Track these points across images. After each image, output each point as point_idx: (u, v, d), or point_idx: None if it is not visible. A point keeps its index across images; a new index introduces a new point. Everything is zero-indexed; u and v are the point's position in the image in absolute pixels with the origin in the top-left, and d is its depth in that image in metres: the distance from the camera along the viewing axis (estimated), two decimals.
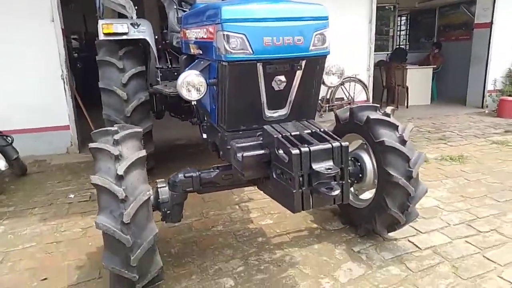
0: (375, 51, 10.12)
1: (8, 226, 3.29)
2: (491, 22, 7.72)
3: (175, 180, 2.43)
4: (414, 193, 2.54)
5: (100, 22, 3.68)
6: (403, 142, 2.58)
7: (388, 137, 2.58)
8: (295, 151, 1.78)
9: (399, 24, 11.64)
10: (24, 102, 5.02)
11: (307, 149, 1.80)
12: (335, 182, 1.84)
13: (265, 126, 2.08)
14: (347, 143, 1.92)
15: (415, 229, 3.05)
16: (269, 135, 2.01)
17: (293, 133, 1.98)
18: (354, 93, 6.81)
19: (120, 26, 3.63)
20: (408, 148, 2.58)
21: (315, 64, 2.21)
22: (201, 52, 2.48)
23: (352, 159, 2.84)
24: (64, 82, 5.24)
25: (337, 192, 1.75)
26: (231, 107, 2.17)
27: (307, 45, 2.10)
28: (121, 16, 4.01)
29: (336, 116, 3.06)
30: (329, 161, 1.84)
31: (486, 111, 7.87)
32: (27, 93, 5.03)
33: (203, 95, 2.17)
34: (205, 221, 3.28)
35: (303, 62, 2.15)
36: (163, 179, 2.50)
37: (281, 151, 1.90)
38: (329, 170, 1.77)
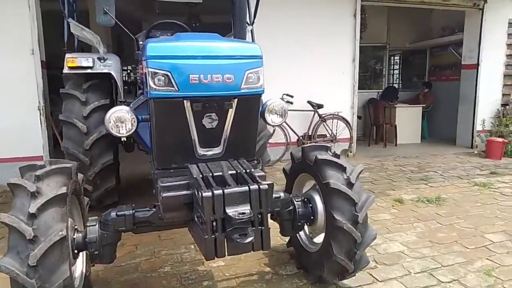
0: (367, 89, 10.30)
1: None
2: (477, 64, 7.76)
3: (106, 218, 2.31)
4: (360, 239, 2.40)
5: (67, 55, 3.71)
6: (350, 184, 2.47)
7: (334, 179, 2.48)
8: (206, 194, 1.69)
9: (392, 63, 11.80)
10: None
11: (220, 191, 1.70)
12: (252, 228, 1.72)
13: (190, 166, 1.99)
14: (266, 186, 1.82)
15: (373, 276, 2.87)
16: (191, 175, 1.91)
17: (215, 174, 1.89)
18: (336, 130, 6.74)
19: (84, 60, 3.65)
20: (355, 191, 2.47)
21: (249, 103, 2.16)
22: (141, 88, 2.45)
23: (305, 200, 2.73)
24: (40, 113, 5.25)
25: (250, 239, 1.64)
26: (160, 144, 2.10)
27: (238, 83, 2.06)
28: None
29: (291, 155, 2.98)
30: (245, 205, 1.73)
31: (475, 151, 7.75)
32: (1, 122, 5.03)
33: (131, 131, 2.10)
34: (154, 261, 3.13)
35: (235, 101, 2.09)
36: (96, 217, 2.39)
37: (199, 193, 1.81)
38: (241, 215, 1.65)
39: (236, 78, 2.04)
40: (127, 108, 2.12)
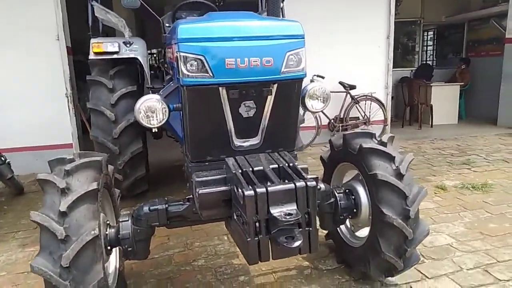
0: (398, 67, 9.78)
1: None
2: None
3: (139, 213, 2.19)
4: (412, 235, 2.19)
5: (92, 40, 3.58)
6: (399, 176, 2.24)
7: (382, 169, 2.25)
8: (248, 192, 1.51)
9: (426, 39, 11.16)
10: (26, 120, 5.02)
11: (263, 190, 1.52)
12: (299, 230, 1.54)
13: (227, 159, 1.82)
14: (314, 183, 1.62)
15: (421, 272, 2.66)
16: (229, 169, 1.74)
17: (255, 169, 1.71)
18: (370, 112, 6.42)
19: (110, 45, 3.52)
20: (406, 183, 2.24)
21: (289, 89, 1.94)
22: (171, 74, 2.27)
23: (347, 191, 2.53)
24: (68, 100, 5.21)
25: (298, 243, 1.46)
26: (193, 136, 1.94)
27: (278, 67, 1.84)
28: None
29: (330, 142, 2.76)
30: (291, 204, 1.55)
31: None
32: (30, 111, 5.04)
33: (163, 122, 1.94)
34: (188, 254, 3.03)
35: (275, 86, 1.89)
36: (128, 212, 2.28)
37: (238, 190, 1.63)
38: (288, 217, 1.47)
39: (276, 61, 1.83)
40: (157, 96, 1.95)
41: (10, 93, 4.97)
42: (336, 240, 2.85)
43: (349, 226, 2.77)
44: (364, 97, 6.37)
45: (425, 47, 11.22)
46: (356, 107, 6.37)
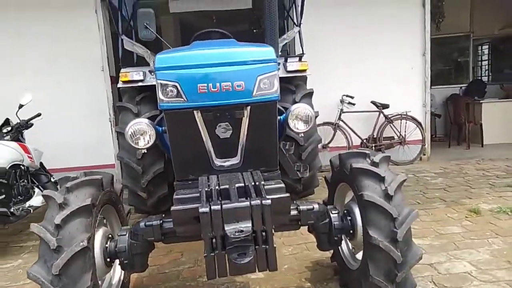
0: (448, 84, 9.32)
1: (24, 260, 3.55)
2: None
3: (136, 228, 2.35)
4: (400, 259, 2.10)
5: (121, 70, 3.95)
6: (387, 197, 2.18)
7: (370, 190, 2.22)
8: (202, 209, 1.60)
9: (479, 54, 10.53)
10: (73, 142, 5.57)
11: (218, 207, 1.60)
12: (256, 247, 1.58)
13: (200, 178, 1.93)
14: (268, 201, 1.66)
15: None
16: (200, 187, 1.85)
17: (222, 187, 1.79)
18: (405, 132, 6.18)
19: (136, 74, 3.84)
20: (395, 205, 2.17)
21: (263, 110, 2.02)
22: None
23: (345, 212, 2.51)
24: (111, 124, 5.70)
25: (248, 259, 1.51)
26: (176, 156, 2.09)
27: (249, 90, 1.95)
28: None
29: (330, 162, 2.76)
30: (247, 221, 1.60)
31: None
32: (76, 134, 5.60)
33: (150, 144, 2.11)
34: (196, 270, 3.14)
35: (248, 109, 1.98)
36: (128, 226, 2.46)
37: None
38: (238, 234, 1.53)
39: (247, 85, 1.93)
40: (147, 120, 2.14)
41: (59, 117, 5.55)
42: (338, 262, 2.80)
43: (350, 247, 2.71)
44: (399, 116, 6.16)
45: (479, 62, 10.58)
46: (391, 127, 6.17)
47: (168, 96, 1.91)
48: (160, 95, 1.92)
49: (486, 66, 10.54)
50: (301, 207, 2.34)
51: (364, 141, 6.17)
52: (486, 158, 6.48)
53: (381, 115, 6.14)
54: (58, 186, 2.30)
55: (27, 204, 4.17)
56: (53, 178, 4.73)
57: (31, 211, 4.15)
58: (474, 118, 7.43)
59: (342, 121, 6.03)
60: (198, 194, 1.97)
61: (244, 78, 1.93)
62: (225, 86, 1.90)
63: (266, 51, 1.99)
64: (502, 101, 7.86)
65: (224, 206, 1.61)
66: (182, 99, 1.90)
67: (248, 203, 1.64)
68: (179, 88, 1.89)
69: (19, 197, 4.09)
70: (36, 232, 1.97)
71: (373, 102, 6.09)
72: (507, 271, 2.83)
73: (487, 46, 10.42)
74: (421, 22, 6.15)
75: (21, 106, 4.36)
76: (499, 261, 2.98)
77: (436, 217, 3.94)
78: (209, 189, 1.78)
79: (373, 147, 6.09)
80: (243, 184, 1.83)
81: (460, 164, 6.13)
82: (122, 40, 4.04)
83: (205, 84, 1.89)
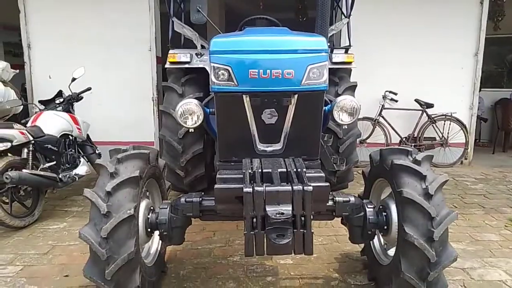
0: (497, 87, 8.86)
1: (69, 223, 3.80)
2: None
3: (176, 203, 2.48)
4: (434, 258, 2.09)
5: (170, 51, 4.07)
6: (427, 195, 2.17)
7: (410, 187, 2.21)
8: (246, 189, 1.67)
9: None
10: (117, 118, 5.82)
11: (261, 188, 1.67)
12: (294, 230, 1.64)
13: (244, 160, 2.00)
14: (310, 188, 1.71)
15: None
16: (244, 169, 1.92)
17: (264, 170, 1.86)
18: (448, 133, 5.98)
19: (183, 56, 3.94)
20: (434, 204, 2.15)
21: (310, 99, 2.05)
22: None
23: (380, 207, 2.52)
24: (153, 103, 5.90)
25: (286, 241, 1.57)
26: (222, 137, 2.16)
27: (298, 79, 1.98)
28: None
29: (370, 157, 2.76)
30: (287, 205, 1.66)
31: None
32: (122, 110, 5.84)
33: (197, 124, 2.20)
34: (227, 249, 3.26)
35: (295, 97, 2.02)
36: (169, 201, 2.59)
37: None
38: (279, 215, 1.59)
39: (297, 73, 1.96)
40: (196, 101, 2.23)
41: (107, 94, 5.80)
42: (368, 256, 2.82)
43: (382, 243, 2.72)
44: (443, 116, 5.96)
45: None
46: (433, 127, 5.99)
47: (219, 79, 1.98)
48: (212, 77, 1.99)
49: None
50: (337, 198, 2.37)
51: (404, 139, 6.03)
52: None
53: (424, 114, 5.96)
54: (109, 157, 2.44)
55: (73, 172, 4.43)
56: (98, 150, 4.99)
57: (77, 179, 4.42)
58: None
59: (383, 117, 5.92)
60: (240, 175, 2.05)
61: (294, 67, 1.96)
62: (275, 73, 1.95)
63: (318, 41, 2.01)
64: None
65: (267, 188, 1.68)
66: (233, 83, 1.97)
67: (290, 187, 1.70)
68: (230, 72, 1.96)
69: (67, 164, 4.36)
70: (89, 197, 2.12)
71: (417, 100, 5.92)
72: None
73: None
74: (477, 20, 5.86)
75: (74, 79, 4.61)
76: None
77: (473, 223, 3.84)
78: (252, 172, 1.85)
79: (412, 147, 5.93)
80: (285, 170, 1.89)
81: (503, 172, 5.88)
82: (172, 21, 4.14)
83: (256, 70, 1.94)
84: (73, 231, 3.59)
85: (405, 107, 5.92)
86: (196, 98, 3.96)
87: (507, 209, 4.24)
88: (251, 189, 1.67)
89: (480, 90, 6.26)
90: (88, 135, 4.98)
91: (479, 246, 3.30)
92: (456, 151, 6.10)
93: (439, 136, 6.04)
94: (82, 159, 4.67)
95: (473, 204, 4.42)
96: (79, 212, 4.10)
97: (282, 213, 1.61)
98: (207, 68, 3.98)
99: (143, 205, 2.42)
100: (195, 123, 2.21)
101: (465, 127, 6.00)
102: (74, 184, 4.50)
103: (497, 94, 8.29)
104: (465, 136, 6.02)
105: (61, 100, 4.64)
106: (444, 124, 6.01)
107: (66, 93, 4.66)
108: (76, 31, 5.79)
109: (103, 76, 5.74)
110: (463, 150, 6.10)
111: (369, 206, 2.48)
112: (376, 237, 2.67)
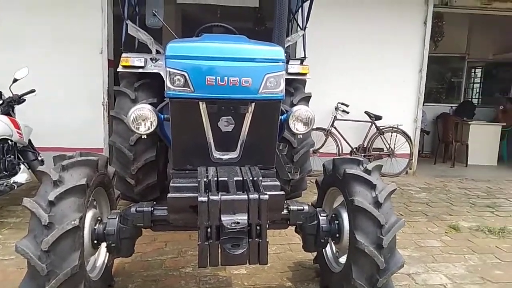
0: (440, 102, 9.52)
1: (4, 236, 3.50)
2: None
3: (126, 213, 2.36)
4: (383, 265, 2.17)
5: (123, 55, 3.93)
6: (377, 204, 2.25)
7: (361, 196, 2.28)
8: (201, 198, 1.63)
9: (472, 76, 10.78)
10: (65, 122, 5.51)
11: (216, 197, 1.64)
12: (249, 240, 1.62)
13: (199, 168, 1.96)
14: (266, 197, 1.71)
15: None
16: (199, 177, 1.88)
17: (220, 179, 1.83)
18: (395, 144, 6.30)
19: (137, 60, 3.82)
20: (383, 212, 2.24)
21: (267, 108, 2.06)
22: None
23: (333, 216, 2.57)
24: (103, 108, 5.65)
25: (241, 251, 1.54)
26: (176, 145, 2.10)
27: (256, 87, 1.98)
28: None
29: (323, 166, 2.81)
30: (243, 214, 1.64)
31: None
32: (69, 115, 5.53)
33: (150, 130, 2.13)
34: (179, 260, 3.16)
35: (252, 105, 2.02)
36: (119, 210, 2.47)
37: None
38: (235, 225, 1.57)
39: (254, 82, 1.97)
40: (150, 106, 2.15)
41: (53, 97, 5.47)
42: (321, 264, 2.86)
43: (334, 251, 2.77)
44: (390, 128, 6.28)
45: (471, 84, 10.84)
46: (381, 138, 6.28)
47: (175, 84, 1.93)
48: (167, 83, 1.94)
49: (478, 89, 10.80)
50: (291, 207, 2.38)
51: (354, 149, 6.26)
52: (469, 177, 6.65)
53: (373, 126, 6.24)
54: (53, 164, 2.28)
55: (12, 180, 4.11)
56: (40, 156, 4.67)
57: (15, 187, 4.10)
58: (461, 138, 7.62)
59: (335, 128, 6.11)
60: (195, 184, 2.00)
61: (252, 75, 1.96)
62: (232, 80, 1.93)
63: (275, 51, 2.03)
64: (490, 125, 8.07)
65: (222, 197, 1.64)
66: (189, 89, 1.92)
67: (246, 196, 1.68)
68: (187, 78, 1.91)
69: (4, 172, 4.03)
70: (29, 207, 1.96)
71: (367, 113, 6.19)
72: (480, 286, 2.93)
73: (480, 69, 10.68)
74: (421, 39, 6.28)
75: (15, 80, 4.29)
76: (474, 276, 3.08)
77: (417, 230, 4.04)
78: (207, 180, 1.81)
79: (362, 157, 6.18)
80: (241, 178, 1.87)
81: (444, 182, 6.28)
82: (126, 24, 4.01)
83: (213, 77, 1.92)
84: (8, 244, 3.30)
85: (356, 118, 6.16)
86: (149, 104, 3.91)
87: (447, 217, 4.51)
88: (206, 198, 1.63)
89: (423, 105, 6.68)
90: (30, 140, 4.65)
91: (423, 252, 3.47)
92: (401, 162, 6.43)
93: (387, 147, 6.35)
94: (22, 166, 4.34)
95: (417, 212, 4.66)
96: (16, 223, 3.79)
97: (238, 223, 1.59)
98: (162, 74, 3.92)
99: (89, 215, 2.29)
100: (148, 129, 2.13)
101: (410, 139, 6.36)
102: (12, 193, 4.17)
103: (438, 108, 8.90)
104: (410, 148, 6.38)
105: (1, 102, 4.30)
106: (391, 135, 6.33)
107: (7, 94, 4.33)
108: (23, 29, 5.43)
109: (50, 78, 5.42)
110: (408, 160, 6.45)
111: (322, 214, 2.52)
112: (328, 245, 2.72)
